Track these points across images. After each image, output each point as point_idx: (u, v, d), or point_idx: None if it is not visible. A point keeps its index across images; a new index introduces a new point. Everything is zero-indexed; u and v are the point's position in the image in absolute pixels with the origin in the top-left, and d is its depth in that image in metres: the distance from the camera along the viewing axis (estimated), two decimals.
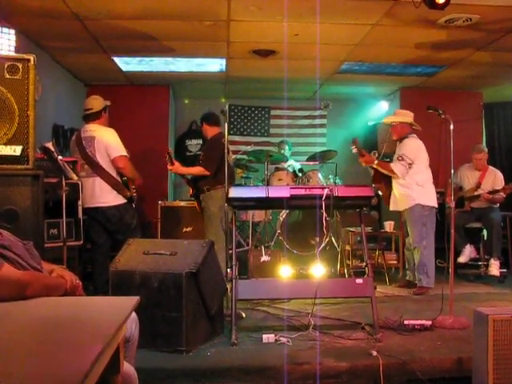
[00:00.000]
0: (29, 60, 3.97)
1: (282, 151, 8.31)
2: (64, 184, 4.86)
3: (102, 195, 5.55)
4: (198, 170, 6.18)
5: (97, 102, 5.68)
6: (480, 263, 7.37)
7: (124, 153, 5.57)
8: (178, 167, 6.19)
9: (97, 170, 5.53)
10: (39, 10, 5.58)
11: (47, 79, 6.58)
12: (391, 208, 6.41)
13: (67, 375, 1.36)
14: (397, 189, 6.25)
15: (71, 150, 5.88)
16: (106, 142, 5.52)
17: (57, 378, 1.36)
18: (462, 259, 7.19)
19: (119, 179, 5.63)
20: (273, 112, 10.09)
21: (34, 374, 1.38)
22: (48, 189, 4.75)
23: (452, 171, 4.90)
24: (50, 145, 4.68)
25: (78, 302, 2.43)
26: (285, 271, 6.14)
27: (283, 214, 7.03)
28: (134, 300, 2.19)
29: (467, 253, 7.22)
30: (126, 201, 5.62)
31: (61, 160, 4.80)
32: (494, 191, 7.19)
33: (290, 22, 5.95)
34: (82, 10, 5.60)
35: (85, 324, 1.95)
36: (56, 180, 4.93)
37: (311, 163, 8.04)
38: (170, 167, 6.17)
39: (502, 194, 7.19)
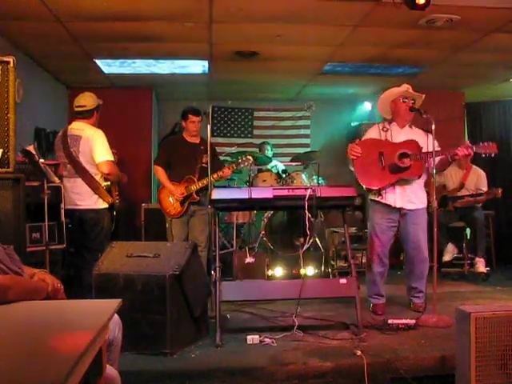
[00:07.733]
0: (8, 62, 3.94)
1: (266, 152, 8.33)
2: (46, 187, 4.82)
3: (83, 197, 5.32)
4: None
5: (91, 100, 5.42)
6: (463, 262, 7.43)
7: (110, 157, 5.32)
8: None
9: (79, 171, 5.29)
10: (19, 12, 5.53)
11: (29, 82, 6.53)
12: (398, 205, 5.10)
13: (48, 377, 1.36)
14: (414, 184, 5.14)
15: (55, 147, 5.60)
16: (93, 144, 5.26)
17: (38, 380, 1.35)
18: (446, 257, 7.26)
19: (102, 183, 5.38)
20: (256, 113, 10.11)
21: (16, 376, 1.37)
22: (30, 192, 4.71)
23: (434, 170, 4.90)
24: (31, 148, 4.62)
25: (60, 305, 2.42)
26: (269, 272, 6.15)
27: (267, 215, 7.04)
28: (116, 302, 2.18)
29: (450, 250, 7.30)
30: (106, 206, 5.38)
31: (42, 163, 4.75)
32: (478, 194, 7.26)
33: (272, 23, 5.96)
34: (62, 12, 5.55)
35: (66, 326, 1.94)
36: (38, 183, 4.88)
37: (293, 164, 8.07)
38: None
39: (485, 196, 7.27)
